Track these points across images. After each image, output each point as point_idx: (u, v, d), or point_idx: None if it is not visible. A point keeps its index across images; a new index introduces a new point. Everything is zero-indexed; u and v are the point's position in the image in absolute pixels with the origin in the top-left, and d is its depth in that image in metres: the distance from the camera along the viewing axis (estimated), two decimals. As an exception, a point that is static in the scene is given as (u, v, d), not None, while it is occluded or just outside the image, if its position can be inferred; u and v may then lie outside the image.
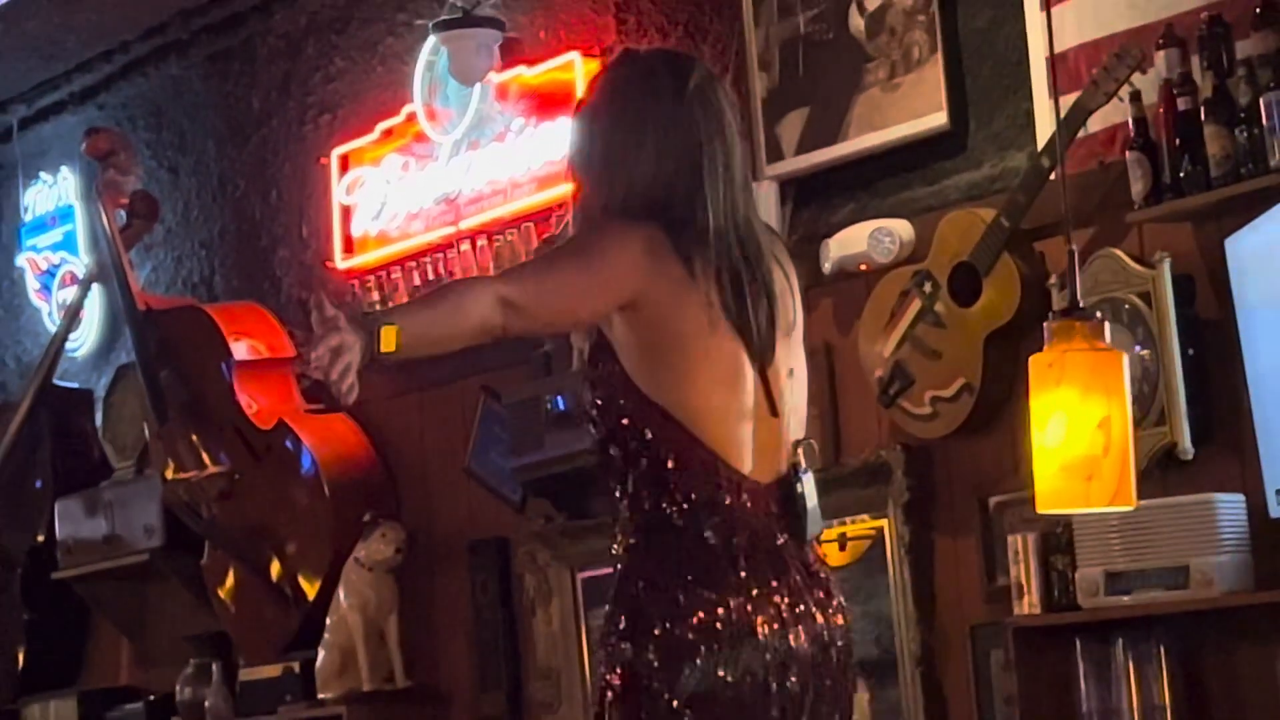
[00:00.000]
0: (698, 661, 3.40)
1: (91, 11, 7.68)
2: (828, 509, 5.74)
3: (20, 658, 8.38)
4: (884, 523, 5.79)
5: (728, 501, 3.47)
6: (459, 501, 7.02)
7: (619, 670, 3.44)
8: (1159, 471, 5.18)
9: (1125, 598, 5.07)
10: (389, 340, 3.43)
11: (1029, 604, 5.28)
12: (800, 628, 3.48)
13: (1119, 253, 5.24)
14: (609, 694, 3.45)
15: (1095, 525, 5.12)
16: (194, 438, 7.50)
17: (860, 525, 5.88)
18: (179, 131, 8.23)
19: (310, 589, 7.20)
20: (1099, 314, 4.73)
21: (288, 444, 7.31)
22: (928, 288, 5.59)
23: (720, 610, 3.42)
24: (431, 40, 6.79)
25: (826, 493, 5.68)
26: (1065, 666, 5.24)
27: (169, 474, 7.52)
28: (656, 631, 3.41)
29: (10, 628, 8.38)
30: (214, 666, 7.51)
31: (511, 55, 6.80)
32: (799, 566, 3.54)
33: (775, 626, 3.45)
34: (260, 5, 7.77)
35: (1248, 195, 4.92)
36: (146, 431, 7.72)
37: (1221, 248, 5.05)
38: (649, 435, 3.47)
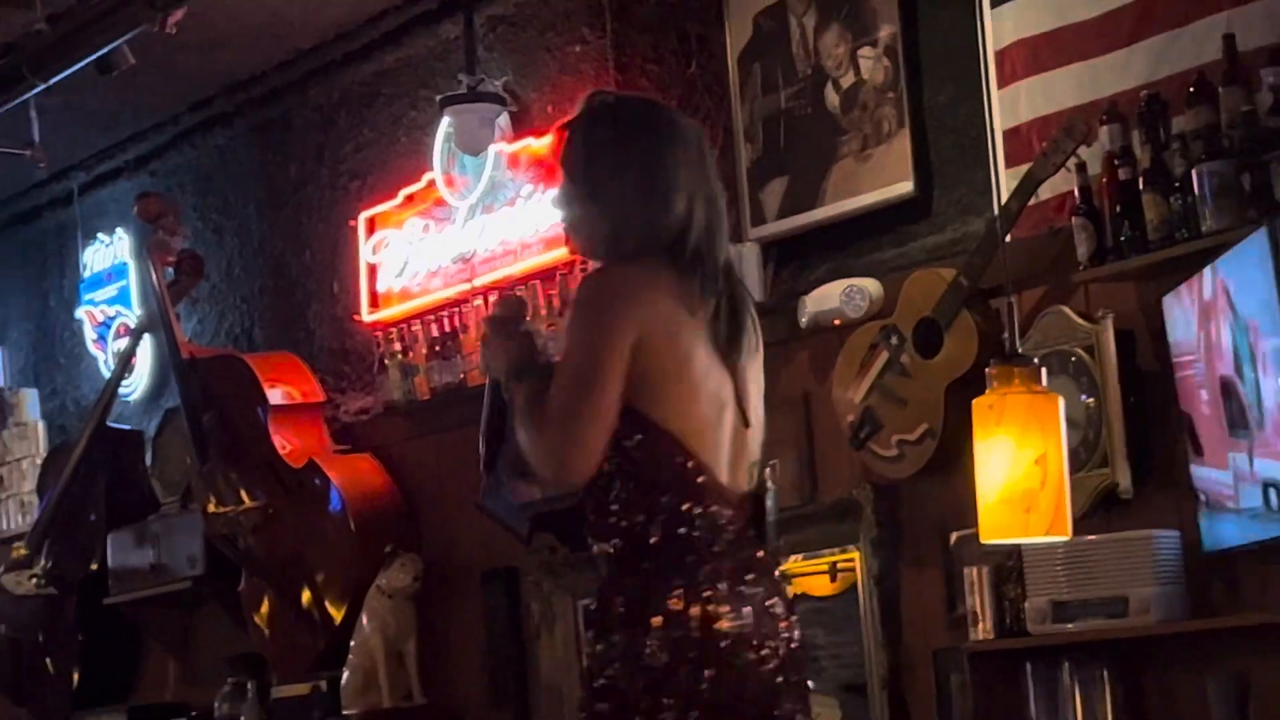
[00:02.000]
0: (690, 654, 3.36)
1: (144, 87, 7.71)
2: (806, 543, 5.88)
3: (75, 676, 8.37)
4: (855, 555, 5.80)
5: (712, 509, 3.44)
6: (473, 535, 7.00)
7: (613, 668, 3.40)
8: (1101, 509, 5.19)
9: (1070, 625, 5.08)
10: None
11: (983, 630, 5.29)
12: (777, 625, 3.45)
13: (1066, 310, 5.27)
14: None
15: (1043, 558, 5.13)
16: (233, 475, 7.52)
17: (848, 555, 5.89)
18: (223, 196, 8.27)
19: (336, 614, 7.22)
20: (1035, 360, 4.78)
21: (317, 481, 7.34)
22: (894, 341, 5.61)
23: (708, 608, 3.38)
24: (450, 117, 6.83)
25: (804, 527, 5.82)
26: (1017, 688, 5.22)
27: (210, 508, 7.52)
28: (654, 622, 3.37)
29: (66, 649, 8.39)
30: (249, 685, 7.52)
31: (521, 128, 6.86)
32: (770, 572, 3.52)
33: (755, 624, 3.42)
34: (297, 81, 7.82)
35: (1183, 257, 4.91)
36: (191, 470, 7.75)
37: (1159, 305, 5.05)
38: (641, 447, 3.43)
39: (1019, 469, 4.56)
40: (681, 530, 3.43)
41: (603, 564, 3.51)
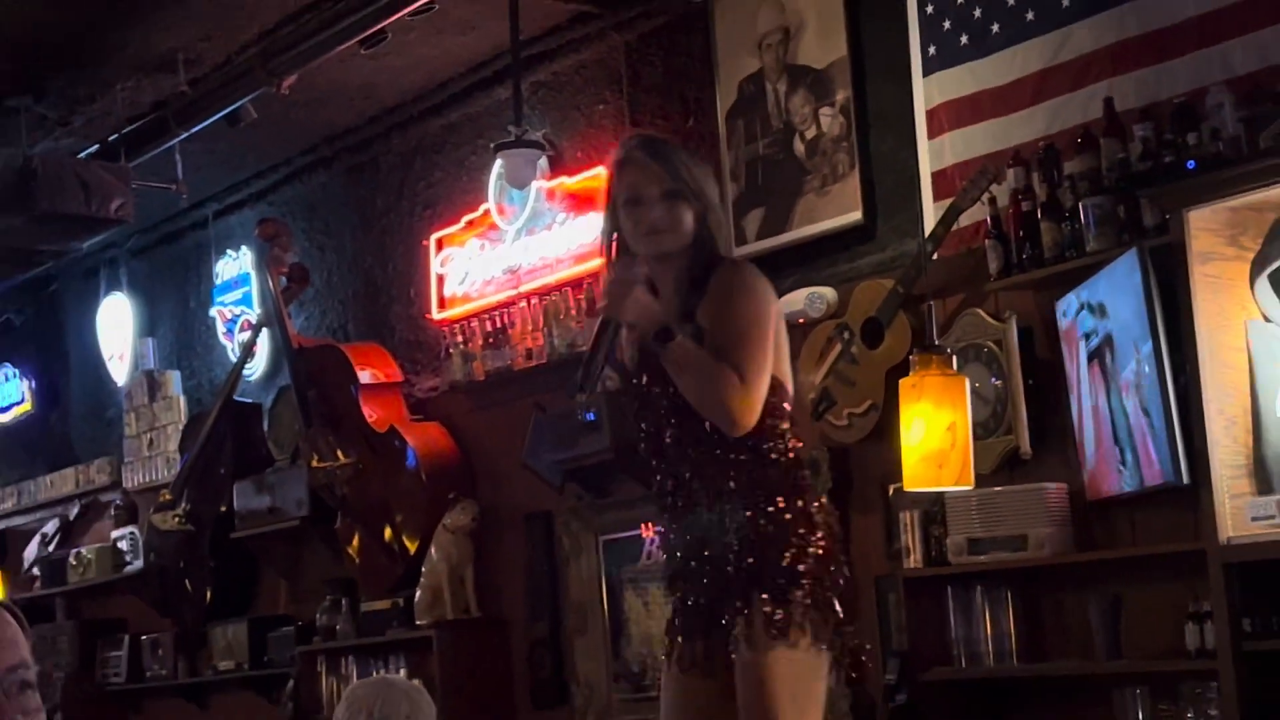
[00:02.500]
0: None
1: (264, 137, 7.72)
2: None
3: (208, 595, 8.40)
4: (815, 502, 5.81)
5: (801, 443, 3.53)
6: (517, 485, 7.02)
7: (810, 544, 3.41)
8: (1006, 467, 5.21)
9: (981, 557, 5.09)
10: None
11: (914, 561, 5.30)
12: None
13: (980, 312, 5.28)
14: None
15: (961, 504, 5.14)
16: (331, 438, 7.52)
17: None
18: (325, 221, 8.27)
19: (411, 546, 7.24)
20: (949, 350, 4.81)
21: (396, 443, 7.34)
22: (846, 335, 5.62)
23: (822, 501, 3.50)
24: (501, 160, 6.84)
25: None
26: (940, 606, 5.25)
27: (313, 464, 7.54)
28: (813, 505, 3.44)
29: (200, 573, 8.42)
30: (343, 601, 7.55)
31: (557, 169, 6.87)
32: None
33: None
34: (382, 133, 7.82)
35: (1071, 271, 4.93)
36: (298, 434, 7.77)
37: (1053, 308, 5.07)
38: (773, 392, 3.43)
39: (935, 434, 4.60)
40: (793, 454, 3.47)
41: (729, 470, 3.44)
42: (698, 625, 3.46)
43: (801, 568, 3.37)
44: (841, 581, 3.45)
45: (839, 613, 3.40)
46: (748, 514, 3.40)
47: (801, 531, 3.40)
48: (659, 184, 3.51)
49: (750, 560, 3.37)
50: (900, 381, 4.84)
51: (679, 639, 3.50)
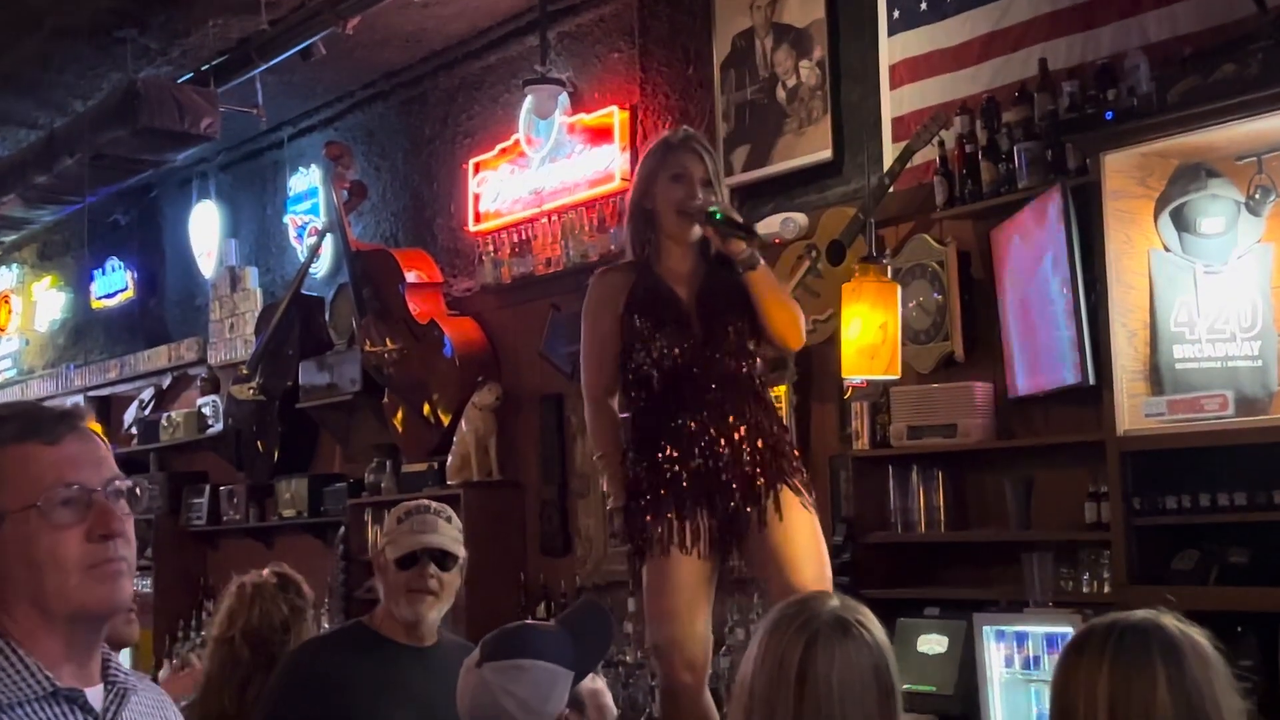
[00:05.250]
0: None
1: (331, 71, 7.66)
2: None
3: (275, 454, 8.44)
4: (783, 390, 5.75)
5: None
6: (535, 371, 7.01)
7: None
8: (943, 367, 5.18)
9: (919, 441, 5.09)
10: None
11: (862, 444, 5.30)
12: None
13: (927, 237, 5.24)
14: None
15: (904, 397, 5.12)
16: (381, 327, 7.50)
17: (778, 390, 5.83)
18: (381, 145, 8.20)
19: (445, 419, 7.24)
20: (886, 261, 4.77)
21: (436, 334, 7.32)
22: (813, 254, 5.57)
23: None
24: (529, 94, 6.78)
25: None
26: (882, 483, 5.25)
27: (366, 348, 7.53)
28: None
29: (270, 435, 8.44)
30: (387, 463, 7.56)
31: (575, 106, 6.79)
32: None
33: None
34: (431, 71, 7.73)
35: (1004, 205, 4.89)
36: (354, 323, 7.75)
37: (988, 236, 5.03)
38: None
39: (869, 331, 4.57)
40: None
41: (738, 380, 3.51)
42: (710, 519, 3.45)
43: (799, 457, 3.62)
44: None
45: None
46: (760, 426, 3.50)
47: (790, 449, 3.59)
48: (703, 170, 3.55)
49: (770, 463, 3.47)
50: (842, 286, 4.80)
51: (686, 534, 3.44)
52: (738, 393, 3.50)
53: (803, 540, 3.44)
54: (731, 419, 3.48)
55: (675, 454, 3.47)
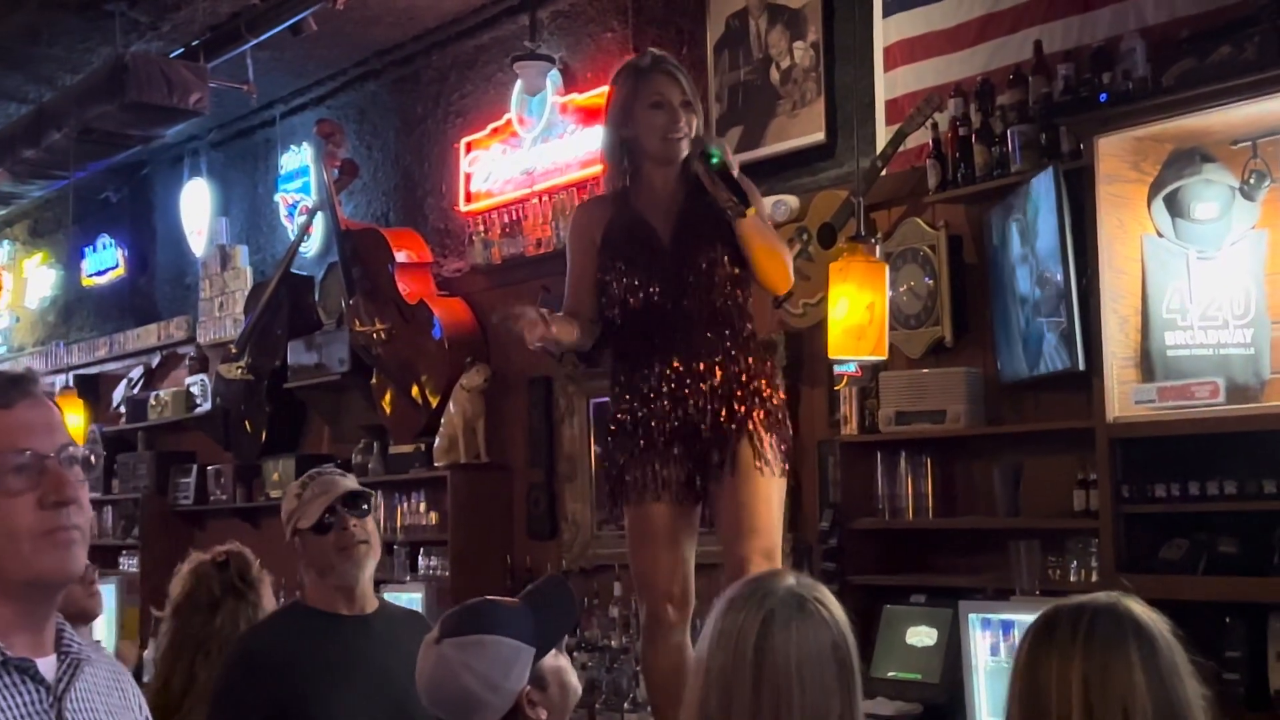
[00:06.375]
0: None
1: (323, 48, 7.60)
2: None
3: (263, 434, 8.39)
4: (771, 377, 5.75)
5: None
6: (523, 353, 6.77)
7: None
8: (933, 353, 5.14)
9: (907, 427, 5.04)
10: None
11: (850, 429, 5.25)
12: None
13: (919, 220, 5.19)
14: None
15: (892, 382, 5.08)
16: (371, 307, 7.45)
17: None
18: (373, 124, 8.15)
19: (433, 400, 7.19)
20: (873, 240, 4.72)
21: (425, 314, 7.27)
22: (805, 237, 5.53)
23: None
24: (517, 71, 6.72)
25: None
26: (870, 467, 5.20)
27: (355, 328, 7.49)
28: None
29: (258, 415, 8.39)
30: (375, 444, 7.52)
31: (568, 85, 6.74)
32: None
33: None
34: (424, 50, 7.67)
35: (997, 189, 4.84)
36: (343, 302, 7.70)
37: (980, 220, 4.98)
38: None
39: (856, 311, 4.51)
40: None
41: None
42: (684, 463, 3.41)
43: (781, 415, 3.48)
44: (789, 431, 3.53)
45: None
46: (734, 370, 3.42)
47: (769, 393, 3.46)
48: (680, 93, 3.45)
49: (742, 410, 3.38)
50: (830, 265, 4.75)
51: (658, 481, 3.42)
52: (713, 332, 3.41)
53: (757, 507, 3.34)
54: (703, 364, 3.40)
55: (650, 395, 3.44)
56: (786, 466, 3.47)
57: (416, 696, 2.22)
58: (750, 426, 3.38)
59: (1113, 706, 1.66)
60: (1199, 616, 4.07)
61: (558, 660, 2.17)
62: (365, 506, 3.01)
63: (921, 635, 4.87)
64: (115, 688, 1.83)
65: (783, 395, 3.57)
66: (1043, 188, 4.48)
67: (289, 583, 5.21)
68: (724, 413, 3.38)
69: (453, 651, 2.12)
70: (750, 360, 3.45)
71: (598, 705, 5.75)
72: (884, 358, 4.66)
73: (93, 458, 1.82)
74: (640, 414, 3.46)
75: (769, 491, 3.36)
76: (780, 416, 3.47)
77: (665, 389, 3.43)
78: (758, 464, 3.35)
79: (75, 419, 9.11)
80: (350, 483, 3.03)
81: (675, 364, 3.42)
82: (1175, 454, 4.08)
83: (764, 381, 3.45)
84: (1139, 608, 1.74)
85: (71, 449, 1.74)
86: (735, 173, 3.43)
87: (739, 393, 3.40)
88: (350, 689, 2.85)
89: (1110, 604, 1.72)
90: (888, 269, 4.52)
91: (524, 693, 2.12)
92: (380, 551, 3.05)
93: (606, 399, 6.36)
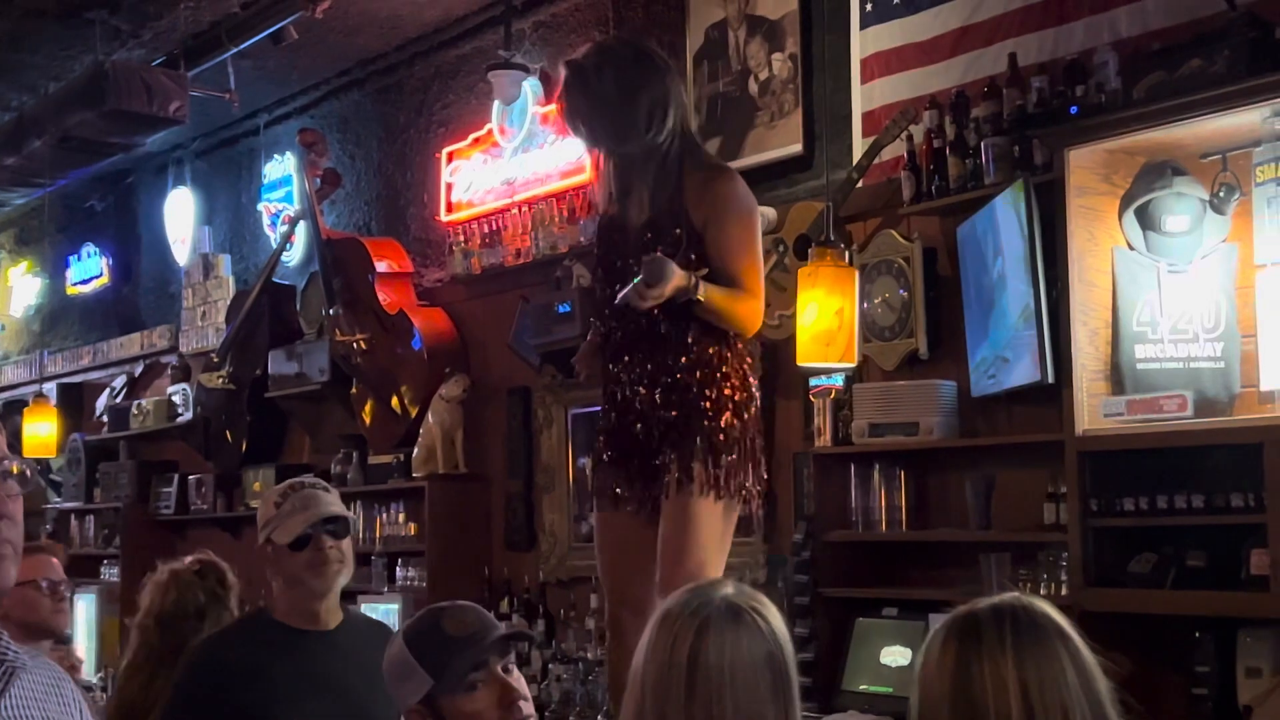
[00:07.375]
0: None
1: (305, 58, 7.61)
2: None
3: (244, 444, 8.38)
4: (747, 388, 5.74)
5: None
6: (503, 364, 6.95)
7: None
8: (907, 365, 5.13)
9: (880, 439, 5.03)
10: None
11: (824, 440, 5.24)
12: None
13: (894, 232, 5.18)
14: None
15: (866, 394, 5.06)
16: (351, 317, 7.44)
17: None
18: (356, 134, 8.15)
19: (413, 411, 7.18)
20: (841, 245, 4.69)
21: (404, 324, 7.27)
22: (781, 249, 5.54)
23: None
24: (491, 80, 6.71)
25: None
26: (844, 479, 5.18)
27: (335, 337, 7.48)
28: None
29: (239, 425, 8.38)
30: (354, 454, 7.50)
31: (549, 95, 6.73)
32: None
33: None
34: (406, 60, 7.68)
35: (970, 201, 4.83)
36: (324, 312, 7.69)
37: (954, 232, 4.98)
38: None
39: (825, 316, 4.47)
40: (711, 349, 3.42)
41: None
42: (635, 477, 3.42)
43: (723, 438, 3.34)
44: (757, 450, 3.43)
45: (750, 474, 3.41)
46: (675, 389, 3.37)
47: (722, 408, 3.37)
48: (586, 131, 3.53)
49: (685, 427, 3.34)
50: (798, 270, 4.72)
51: (616, 488, 3.46)
52: (660, 347, 3.37)
53: (685, 530, 3.27)
54: (646, 382, 3.39)
55: (608, 408, 3.49)
56: (737, 492, 3.35)
57: (376, 711, 2.21)
58: (691, 448, 3.31)
59: (1053, 708, 1.65)
60: (1168, 630, 4.07)
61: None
62: (343, 530, 2.97)
63: (895, 655, 4.86)
64: (54, 694, 1.82)
65: (746, 417, 3.41)
66: (1013, 200, 4.48)
67: (268, 592, 5.19)
68: (663, 431, 3.36)
69: (409, 627, 2.16)
70: (698, 381, 3.36)
71: (571, 718, 5.73)
72: (854, 365, 4.64)
73: (28, 472, 1.80)
74: (601, 424, 3.56)
75: (701, 517, 3.28)
76: (733, 438, 3.35)
77: (617, 401, 3.47)
78: (692, 487, 3.30)
79: (49, 427, 9.08)
80: (332, 503, 2.97)
81: (625, 381, 3.45)
82: (1144, 467, 4.07)
83: (709, 404, 3.36)
84: (1048, 607, 1.73)
85: (5, 462, 1.73)
86: (666, 289, 3.23)
87: (675, 413, 3.36)
88: (314, 704, 2.83)
89: (1024, 605, 1.71)
90: (857, 274, 4.49)
91: (411, 711, 2.13)
92: (353, 567, 3.03)
93: (585, 410, 6.54)
